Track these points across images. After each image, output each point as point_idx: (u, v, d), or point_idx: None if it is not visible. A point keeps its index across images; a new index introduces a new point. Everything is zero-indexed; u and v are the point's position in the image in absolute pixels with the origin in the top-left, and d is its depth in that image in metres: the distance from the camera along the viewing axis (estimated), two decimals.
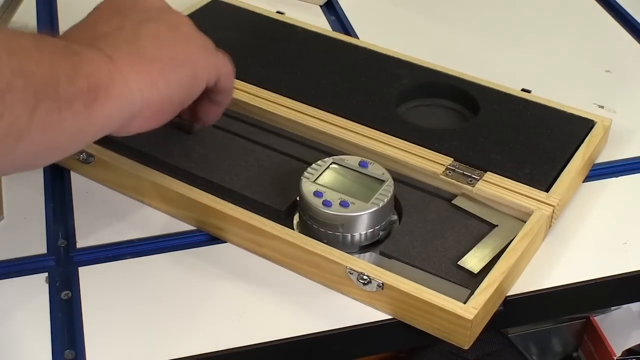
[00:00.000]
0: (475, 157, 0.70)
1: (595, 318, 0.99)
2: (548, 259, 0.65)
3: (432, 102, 0.78)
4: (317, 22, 0.92)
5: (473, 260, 0.62)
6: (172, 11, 0.62)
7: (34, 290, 0.63)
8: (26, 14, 0.95)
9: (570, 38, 0.92)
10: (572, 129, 0.73)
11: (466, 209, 0.67)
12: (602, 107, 0.79)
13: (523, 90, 0.78)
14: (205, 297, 0.63)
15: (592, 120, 0.74)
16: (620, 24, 0.94)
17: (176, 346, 0.59)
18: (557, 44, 0.91)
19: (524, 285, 0.63)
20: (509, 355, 0.92)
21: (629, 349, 0.97)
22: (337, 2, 0.97)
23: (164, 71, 0.58)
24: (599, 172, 0.74)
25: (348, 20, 0.94)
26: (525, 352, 0.94)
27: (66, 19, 0.85)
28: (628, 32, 0.92)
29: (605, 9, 0.96)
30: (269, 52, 0.83)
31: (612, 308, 0.98)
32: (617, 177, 0.73)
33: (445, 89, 0.78)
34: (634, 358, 0.96)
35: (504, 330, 0.95)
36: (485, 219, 0.66)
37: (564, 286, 0.64)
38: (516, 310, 0.63)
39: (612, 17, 0.95)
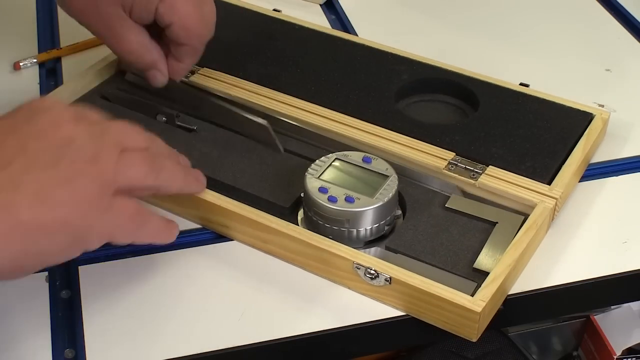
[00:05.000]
0: (477, 151, 0.70)
1: (595, 317, 0.99)
2: (550, 255, 0.65)
3: (432, 98, 0.78)
4: (317, 21, 0.92)
5: (487, 261, 0.62)
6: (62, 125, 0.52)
7: (34, 289, 0.63)
8: (26, 14, 0.95)
9: (570, 37, 0.92)
10: (572, 122, 0.74)
11: (461, 210, 0.67)
12: (602, 105, 0.79)
13: (521, 84, 0.78)
14: (206, 296, 0.63)
15: (590, 114, 0.74)
16: (620, 23, 0.94)
17: (177, 345, 0.59)
18: (557, 43, 0.91)
19: (526, 282, 0.63)
20: (509, 354, 0.92)
21: (629, 347, 0.97)
22: (337, 1, 0.97)
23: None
24: (600, 170, 0.73)
25: (348, 20, 0.94)
26: (526, 351, 0.94)
27: (66, 19, 0.84)
28: (628, 30, 0.92)
29: (605, 7, 0.96)
30: (267, 50, 0.82)
31: (612, 307, 0.99)
32: (617, 175, 0.73)
33: (444, 84, 0.78)
34: (634, 357, 0.96)
35: (504, 329, 0.95)
36: (482, 217, 0.66)
37: (564, 285, 0.63)
38: (516, 309, 0.63)
39: (612, 15, 0.95)
